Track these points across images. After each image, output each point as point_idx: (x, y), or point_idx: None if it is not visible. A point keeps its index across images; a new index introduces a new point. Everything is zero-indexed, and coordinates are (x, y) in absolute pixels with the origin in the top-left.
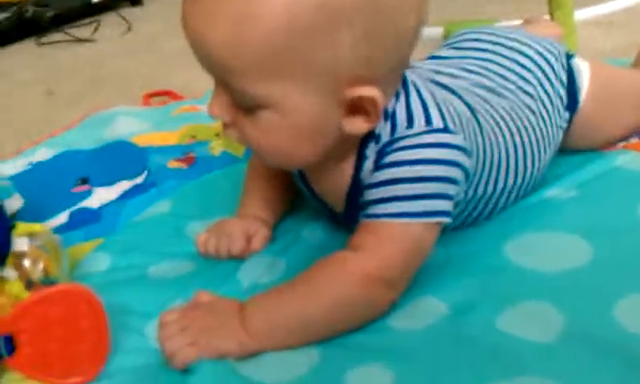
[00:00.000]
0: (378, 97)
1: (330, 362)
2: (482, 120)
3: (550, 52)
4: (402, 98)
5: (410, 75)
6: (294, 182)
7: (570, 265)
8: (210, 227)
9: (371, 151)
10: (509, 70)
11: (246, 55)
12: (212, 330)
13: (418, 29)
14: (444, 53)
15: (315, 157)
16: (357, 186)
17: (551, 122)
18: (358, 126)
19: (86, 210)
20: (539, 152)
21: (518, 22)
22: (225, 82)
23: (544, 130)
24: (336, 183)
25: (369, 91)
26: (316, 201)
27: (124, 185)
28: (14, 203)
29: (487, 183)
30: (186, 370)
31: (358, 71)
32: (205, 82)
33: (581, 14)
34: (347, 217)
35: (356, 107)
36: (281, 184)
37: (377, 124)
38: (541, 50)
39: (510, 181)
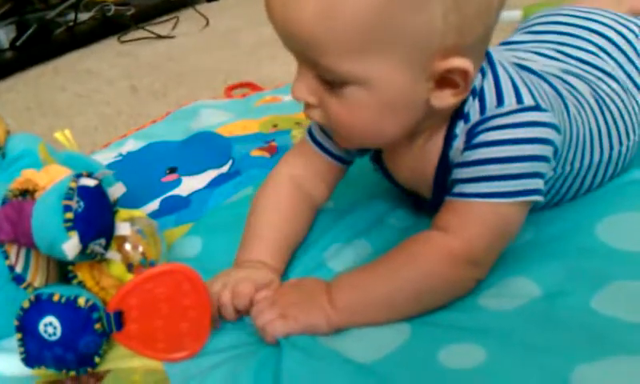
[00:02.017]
0: (470, 68)
1: (422, 338)
2: (566, 98)
3: (631, 30)
4: (490, 75)
5: (495, 54)
6: (310, 219)
7: None
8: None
9: (460, 130)
10: (587, 51)
11: (339, 30)
12: (300, 304)
13: None
14: (518, 37)
15: (402, 133)
16: (445, 166)
17: (636, 100)
18: (446, 100)
19: (175, 197)
20: (626, 130)
21: None
22: (311, 61)
23: (629, 108)
24: (424, 163)
25: (461, 63)
26: (400, 188)
27: (211, 174)
28: (116, 191)
29: (573, 160)
30: (279, 346)
31: (449, 41)
32: (284, 73)
33: None
34: (434, 199)
35: (445, 80)
36: (300, 218)
37: (465, 97)
38: (620, 28)
39: (596, 158)
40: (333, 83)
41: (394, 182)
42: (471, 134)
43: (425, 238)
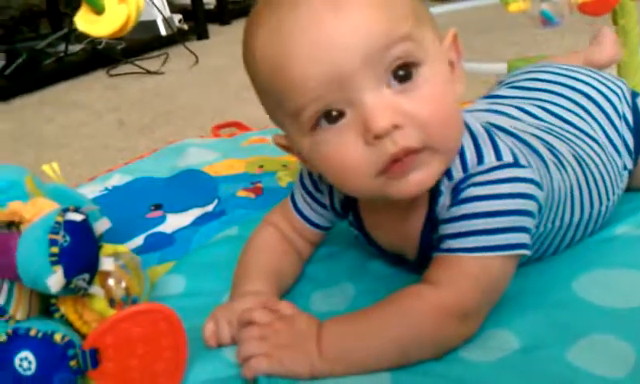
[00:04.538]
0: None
1: None
2: (545, 156)
3: (614, 92)
4: (467, 134)
5: (470, 115)
6: (298, 263)
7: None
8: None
9: (445, 187)
10: (569, 111)
11: (398, 8)
12: (287, 349)
13: None
14: (502, 92)
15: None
16: (432, 223)
17: (615, 162)
18: (458, 89)
19: (160, 234)
20: (605, 190)
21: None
22: (381, 61)
23: (608, 169)
24: (409, 224)
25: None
26: (381, 251)
27: (196, 212)
28: (102, 226)
29: (555, 218)
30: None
31: None
32: None
33: None
34: (418, 260)
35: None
36: (289, 261)
37: None
38: (605, 90)
39: (576, 217)
40: (406, 74)
41: (376, 246)
42: (457, 190)
43: (415, 293)
